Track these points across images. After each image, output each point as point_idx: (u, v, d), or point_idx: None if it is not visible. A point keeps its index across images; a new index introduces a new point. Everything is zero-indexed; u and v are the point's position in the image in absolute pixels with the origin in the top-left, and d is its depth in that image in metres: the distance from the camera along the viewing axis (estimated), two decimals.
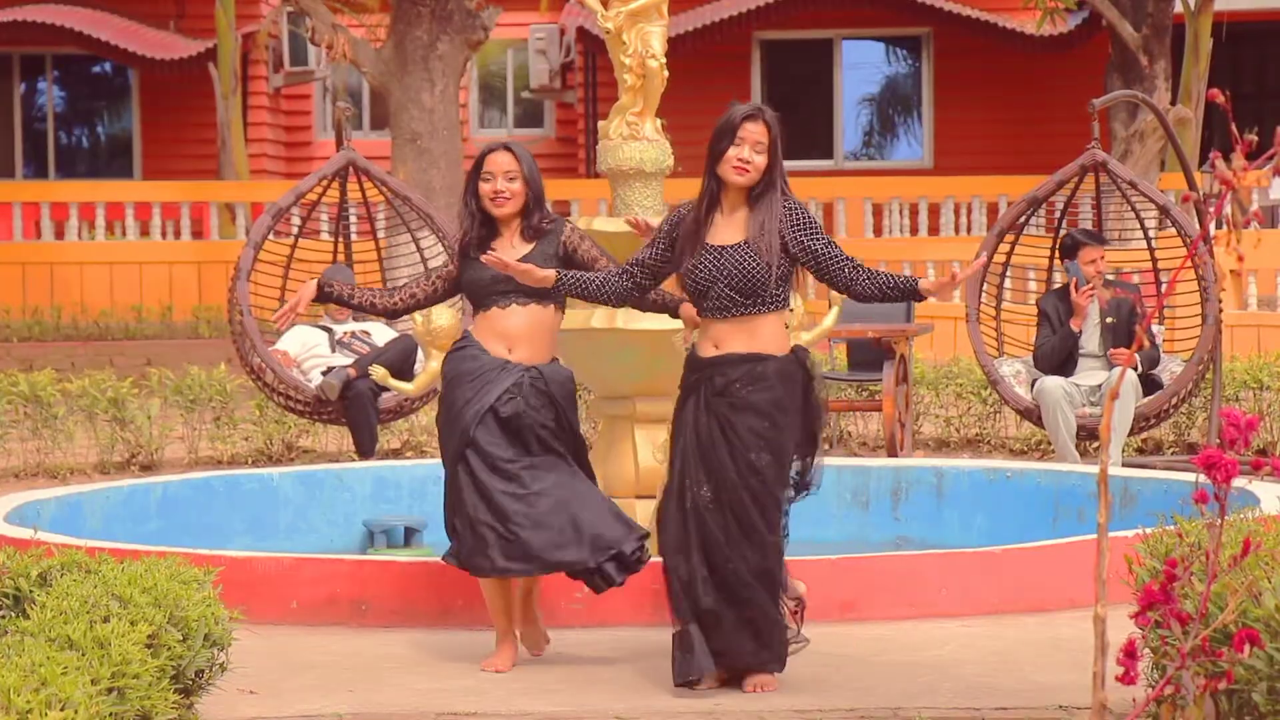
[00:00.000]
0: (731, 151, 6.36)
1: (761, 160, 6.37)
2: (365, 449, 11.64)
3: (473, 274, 6.86)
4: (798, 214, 6.41)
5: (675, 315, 6.90)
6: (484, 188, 6.86)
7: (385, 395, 11.67)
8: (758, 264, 6.33)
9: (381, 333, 12.13)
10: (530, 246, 6.85)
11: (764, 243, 6.34)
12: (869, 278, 6.39)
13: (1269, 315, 18.11)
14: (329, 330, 12.09)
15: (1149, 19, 20.46)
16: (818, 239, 6.39)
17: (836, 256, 6.40)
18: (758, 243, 6.35)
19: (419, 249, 12.63)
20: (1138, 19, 20.49)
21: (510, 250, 6.80)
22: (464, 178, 7.39)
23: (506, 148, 6.91)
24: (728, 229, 6.43)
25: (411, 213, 12.45)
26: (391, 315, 7.22)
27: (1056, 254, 12.18)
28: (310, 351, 11.88)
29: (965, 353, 14.75)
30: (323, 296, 7.01)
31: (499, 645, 6.83)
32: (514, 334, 6.81)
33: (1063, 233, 12.17)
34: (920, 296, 6.38)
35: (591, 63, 27.00)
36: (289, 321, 7.11)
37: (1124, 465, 11.22)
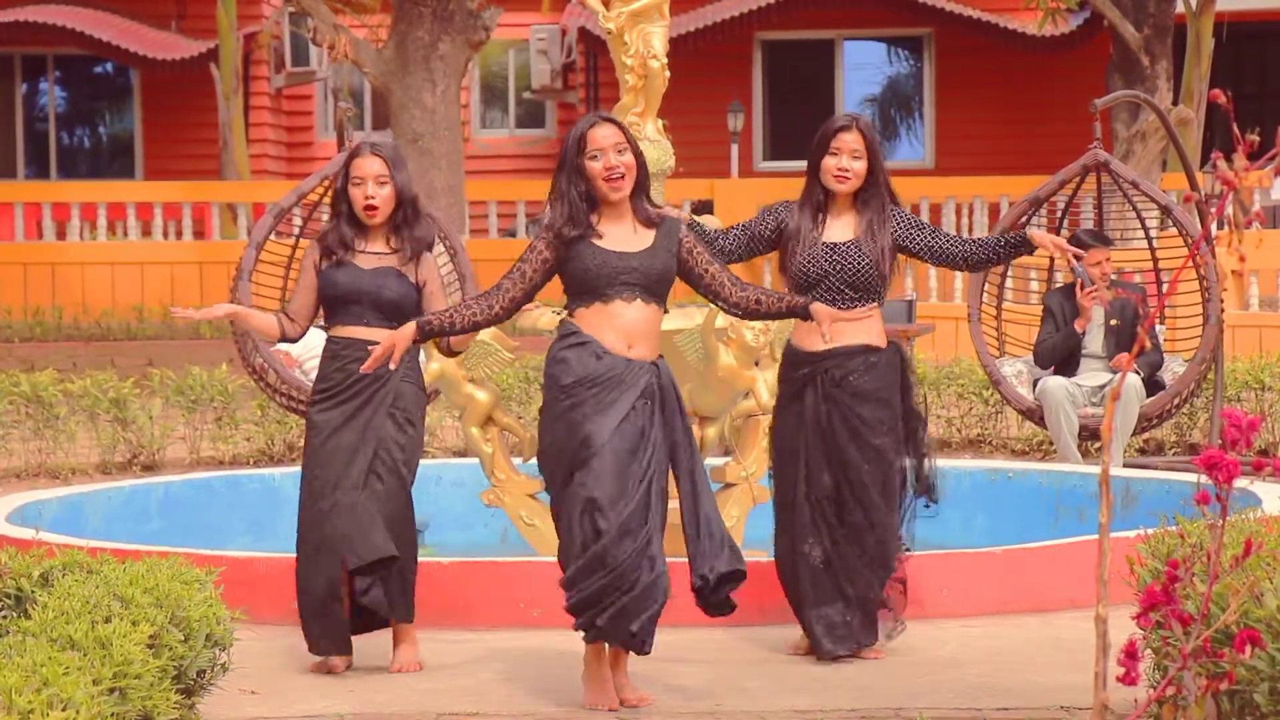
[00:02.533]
0: (830, 161, 6.81)
1: (861, 165, 6.78)
2: None
3: (586, 261, 6.16)
4: (904, 215, 6.83)
5: (799, 315, 6.45)
6: (594, 167, 6.14)
7: None
8: (868, 261, 6.71)
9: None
10: (652, 234, 6.24)
11: (875, 241, 6.74)
12: (979, 246, 6.83)
13: (1270, 315, 18.10)
14: None
15: (1150, 19, 20.45)
16: (925, 230, 6.83)
17: (948, 238, 6.83)
18: (869, 241, 6.74)
19: None
20: (1139, 19, 20.48)
21: (634, 236, 6.20)
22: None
23: (608, 119, 6.22)
24: (837, 229, 6.81)
25: None
26: (494, 325, 6.49)
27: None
28: (312, 352, 11.84)
29: (967, 353, 14.73)
30: (424, 336, 6.34)
31: (595, 682, 6.21)
32: (635, 330, 6.16)
33: (1063, 233, 12.15)
34: (1032, 248, 6.80)
35: (593, 63, 27.01)
36: (389, 363, 6.36)
37: (1125, 466, 11.21)
